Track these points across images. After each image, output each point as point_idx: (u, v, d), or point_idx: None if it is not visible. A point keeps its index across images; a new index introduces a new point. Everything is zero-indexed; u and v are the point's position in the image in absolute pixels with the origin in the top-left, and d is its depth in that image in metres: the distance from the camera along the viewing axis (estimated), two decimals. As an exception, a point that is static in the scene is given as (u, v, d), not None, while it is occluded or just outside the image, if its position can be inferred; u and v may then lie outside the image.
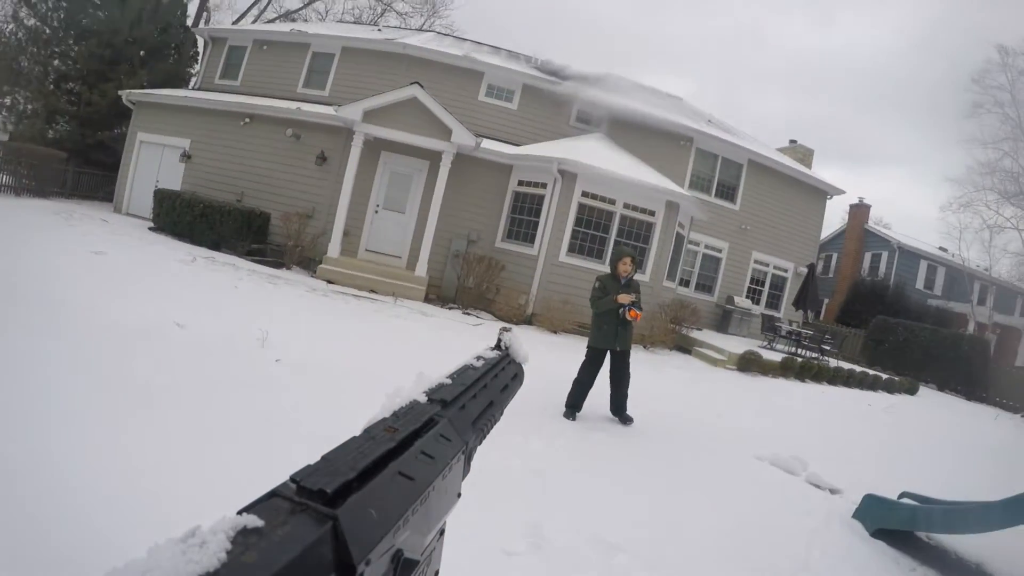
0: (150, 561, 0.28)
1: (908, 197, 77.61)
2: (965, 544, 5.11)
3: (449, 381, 0.64)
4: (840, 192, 21.41)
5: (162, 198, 14.34)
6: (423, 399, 0.57)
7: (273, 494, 0.36)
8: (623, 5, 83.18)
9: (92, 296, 6.70)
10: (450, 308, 13.18)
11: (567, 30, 71.30)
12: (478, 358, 0.75)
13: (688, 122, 18.33)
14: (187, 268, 10.25)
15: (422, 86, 13.87)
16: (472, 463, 0.62)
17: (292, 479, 0.37)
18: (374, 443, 0.45)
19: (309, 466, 0.39)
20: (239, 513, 0.33)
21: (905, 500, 5.44)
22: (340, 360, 6.51)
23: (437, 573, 0.55)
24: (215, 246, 13.41)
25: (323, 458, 0.41)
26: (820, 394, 13.11)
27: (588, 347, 6.72)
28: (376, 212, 14.79)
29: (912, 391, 16.41)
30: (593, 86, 17.49)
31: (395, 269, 14.08)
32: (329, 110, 14.47)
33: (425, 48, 17.22)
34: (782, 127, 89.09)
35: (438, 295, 14.04)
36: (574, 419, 6.50)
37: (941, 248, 30.75)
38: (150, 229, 14.24)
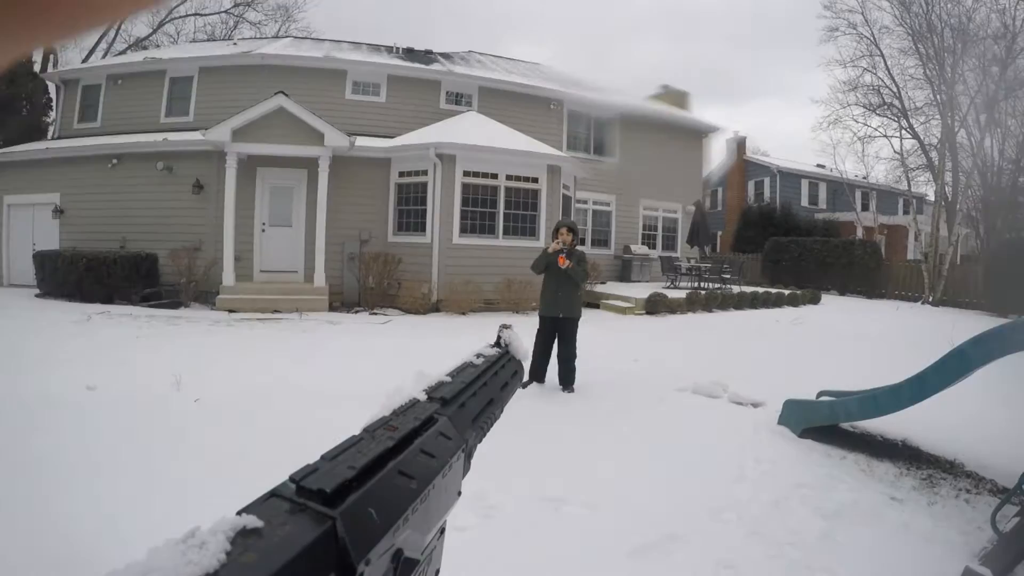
0: (150, 562, 0.29)
1: (783, 124, 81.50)
2: (887, 426, 5.51)
3: (449, 379, 0.65)
4: (715, 129, 22.42)
5: (42, 260, 13.83)
6: (423, 397, 0.58)
7: (272, 494, 0.37)
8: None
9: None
10: (356, 312, 13.30)
11: (424, 14, 70.59)
12: (478, 355, 0.75)
13: (554, 85, 18.67)
14: (84, 328, 9.97)
15: (287, 95, 13.78)
16: (472, 461, 0.63)
17: (291, 479, 0.38)
18: (373, 442, 0.46)
19: (308, 466, 0.40)
20: (238, 514, 0.34)
21: (823, 398, 5.83)
22: (260, 384, 6.55)
23: (438, 572, 0.55)
24: (107, 299, 13.02)
25: (322, 458, 0.42)
26: (729, 320, 13.75)
27: (538, 315, 7.06)
28: (263, 231, 14.59)
29: (815, 301, 17.42)
30: (457, 65, 17.62)
31: (294, 284, 14.03)
32: (197, 135, 14.11)
33: (284, 55, 17.05)
34: (658, 75, 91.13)
35: (341, 301, 14.04)
36: (525, 388, 6.60)
37: (819, 165, 32.66)
38: (37, 296, 13.73)
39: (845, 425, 5.63)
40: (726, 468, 4.83)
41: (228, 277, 13.30)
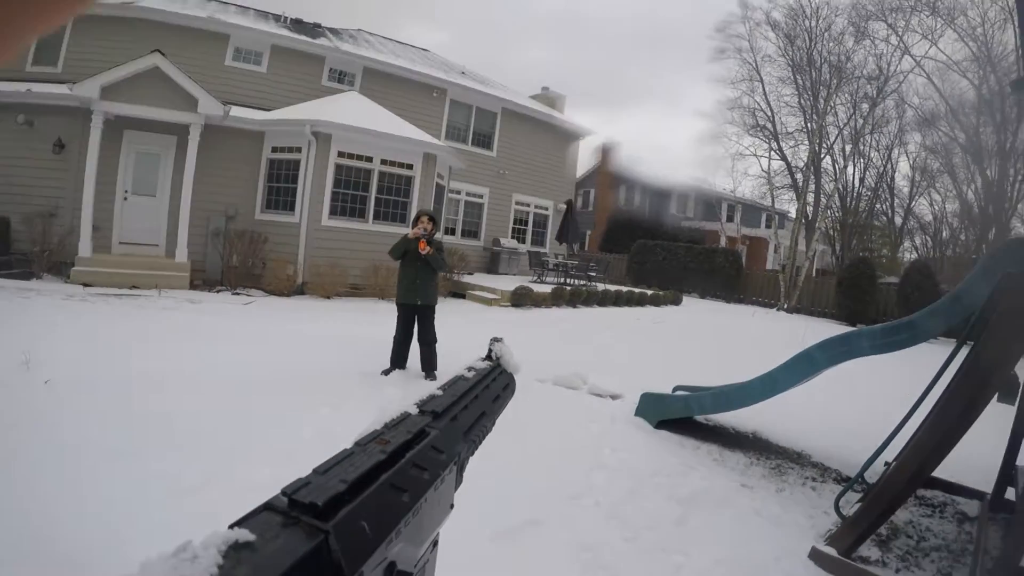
0: (142, 575, 0.29)
1: (664, 132, 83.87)
2: (738, 419, 6.10)
3: (440, 392, 0.65)
4: (589, 132, 23.67)
5: None
6: (414, 411, 0.58)
7: (265, 508, 0.37)
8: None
9: None
10: (218, 291, 13.24)
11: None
12: (469, 369, 0.75)
13: (440, 74, 18.81)
14: None
15: (163, 54, 13.31)
16: (464, 474, 0.63)
17: (283, 492, 0.37)
18: (365, 456, 0.45)
19: (300, 479, 0.39)
20: (231, 527, 0.33)
21: (679, 392, 6.22)
22: (113, 366, 6.31)
23: None
24: (-48, 266, 12.33)
25: (314, 471, 0.41)
26: (592, 316, 14.40)
27: (396, 303, 7.12)
28: (125, 199, 14.09)
29: (676, 302, 18.55)
30: (344, 43, 17.48)
31: (154, 259, 13.69)
32: (64, 89, 13.35)
33: (166, 11, 16.19)
34: (542, 77, 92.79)
35: (203, 279, 13.86)
36: (387, 375, 6.86)
37: (696, 177, 34.68)
38: None
39: (699, 418, 6.14)
40: (585, 456, 5.04)
41: (85, 248, 12.82)
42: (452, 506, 0.57)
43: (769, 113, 26.69)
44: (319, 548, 0.34)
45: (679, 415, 6.04)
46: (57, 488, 3.68)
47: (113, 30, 15.89)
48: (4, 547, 3.00)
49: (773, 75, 26.44)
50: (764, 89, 26.67)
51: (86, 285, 12.13)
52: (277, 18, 18.68)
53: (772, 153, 26.91)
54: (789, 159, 26.93)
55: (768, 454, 5.72)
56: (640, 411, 6.22)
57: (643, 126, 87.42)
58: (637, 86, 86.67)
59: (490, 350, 0.85)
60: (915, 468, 3.78)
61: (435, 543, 0.55)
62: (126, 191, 14.15)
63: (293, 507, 0.37)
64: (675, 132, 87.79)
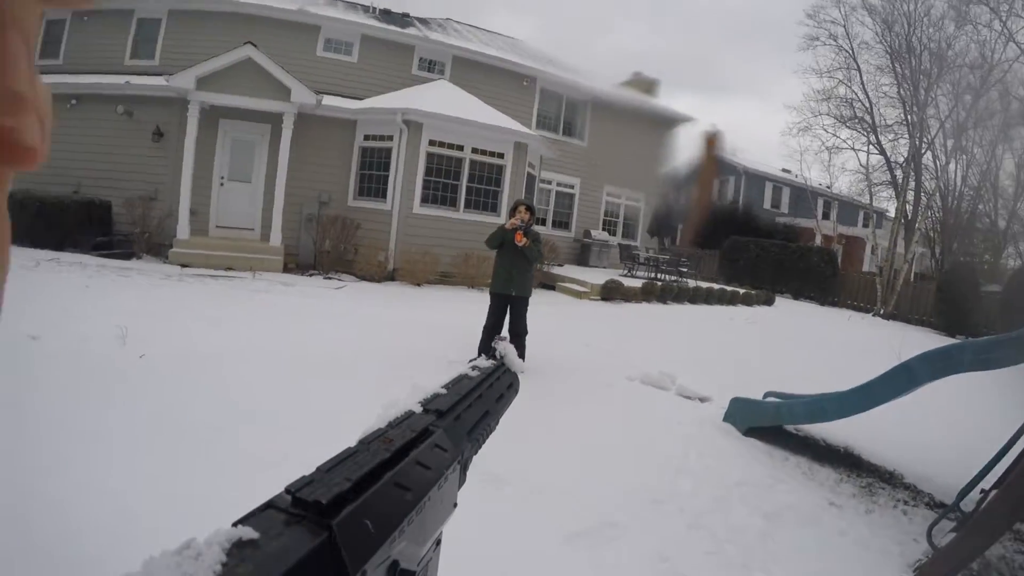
0: (146, 573, 0.29)
1: (753, 124, 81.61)
2: (831, 431, 5.70)
3: (444, 391, 0.65)
4: (688, 119, 22.44)
5: (-10, 202, 13.42)
6: (418, 409, 0.58)
7: (268, 505, 0.37)
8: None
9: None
10: (311, 275, 13.23)
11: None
12: (473, 368, 0.76)
13: (530, 62, 18.57)
14: (31, 275, 9.71)
15: (256, 46, 13.51)
16: (468, 472, 0.63)
17: (287, 490, 0.38)
18: (369, 454, 0.46)
19: (304, 477, 0.40)
20: (234, 525, 0.34)
21: (770, 399, 5.94)
22: (207, 344, 6.43)
23: None
24: (58, 246, 12.61)
25: (318, 469, 0.42)
26: (683, 313, 13.93)
27: (490, 293, 7.04)
28: (222, 185, 14.36)
29: (769, 302, 17.71)
30: (433, 32, 17.42)
31: (249, 242, 13.87)
32: (160, 81, 13.74)
33: (257, 4, 16.54)
34: (633, 60, 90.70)
35: (297, 263, 13.94)
36: None
37: (785, 170, 33.15)
38: (-17, 239, 13.34)
39: (789, 427, 5.78)
40: (671, 460, 4.88)
41: (183, 230, 13.09)
42: (455, 505, 0.57)
43: (867, 104, 25.21)
44: (322, 546, 0.34)
45: (769, 423, 5.77)
46: (150, 460, 3.69)
47: (207, 24, 16.32)
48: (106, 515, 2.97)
49: (871, 63, 24.91)
50: (862, 78, 25.17)
51: (183, 266, 12.34)
52: (366, 9, 18.80)
53: (870, 147, 25.41)
54: (888, 153, 25.43)
55: (859, 471, 5.41)
56: (729, 416, 6.00)
57: (735, 116, 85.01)
58: (724, 74, 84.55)
59: (494, 349, 0.84)
60: (1016, 500, 3.54)
61: (438, 542, 0.54)
62: (222, 177, 14.39)
63: (297, 505, 0.37)
64: (766, 123, 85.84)
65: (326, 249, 13.60)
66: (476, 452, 0.66)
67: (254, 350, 6.40)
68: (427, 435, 0.54)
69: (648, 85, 23.65)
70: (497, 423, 0.73)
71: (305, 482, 0.39)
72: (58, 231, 12.86)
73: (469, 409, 0.65)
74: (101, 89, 14.62)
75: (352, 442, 0.49)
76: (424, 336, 7.79)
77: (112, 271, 10.96)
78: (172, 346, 6.19)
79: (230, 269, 12.52)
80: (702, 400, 6.74)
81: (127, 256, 12.89)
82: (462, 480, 0.60)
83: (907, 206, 23.41)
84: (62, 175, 14.16)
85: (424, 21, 18.26)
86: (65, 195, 13.55)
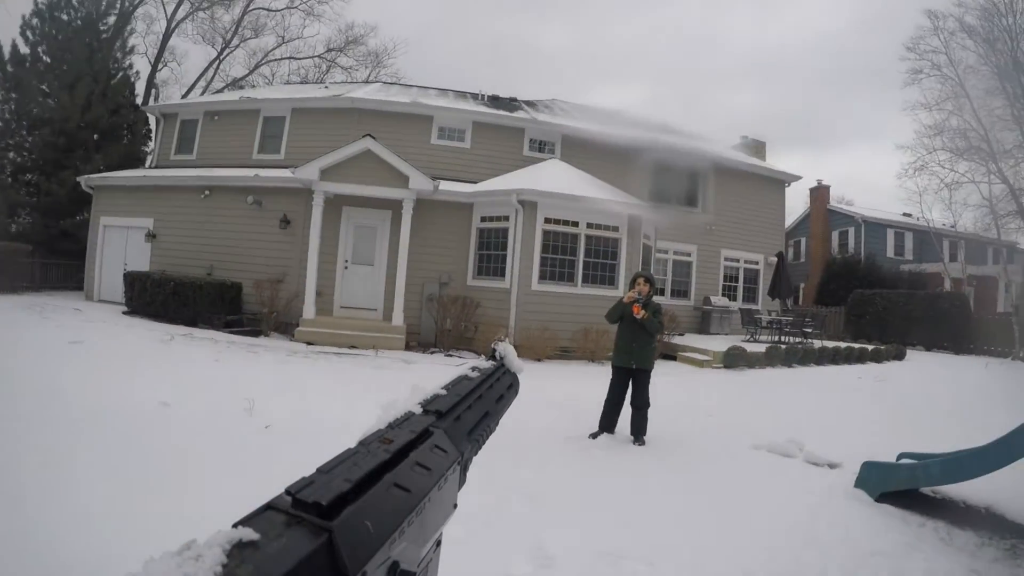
0: (146, 574, 0.29)
1: (866, 171, 79.35)
2: (970, 491, 5.18)
3: (444, 392, 0.65)
4: (797, 178, 21.99)
5: (132, 280, 14.36)
6: (418, 410, 0.58)
7: (268, 507, 0.37)
8: (558, 26, 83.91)
9: (75, 384, 6.62)
10: (432, 352, 13.26)
11: (509, 60, 71.88)
12: (473, 369, 0.75)
13: (637, 133, 18.64)
14: (166, 347, 10.23)
15: (374, 137, 14.08)
16: (468, 473, 0.62)
17: (287, 491, 0.38)
18: (369, 455, 0.46)
19: (304, 478, 0.40)
20: (235, 526, 0.34)
21: (904, 461, 5.55)
22: (330, 417, 6.43)
23: None
24: (191, 322, 13.38)
25: (318, 470, 0.42)
26: (809, 376, 13.34)
27: (612, 366, 6.92)
28: (346, 268, 14.87)
29: (900, 357, 16.70)
30: (541, 113, 17.78)
31: (372, 322, 14.16)
32: (286, 173, 14.53)
33: (373, 99, 17.51)
34: (735, 122, 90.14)
35: (418, 341, 14.07)
36: (595, 439, 6.60)
37: (905, 214, 31.52)
38: (124, 313, 14.22)
39: (926, 489, 5.32)
40: (796, 531, 4.58)
41: (309, 310, 13.54)
42: (455, 506, 0.56)
43: (982, 131, 23.93)
44: (322, 547, 0.35)
45: (904, 486, 5.31)
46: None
47: (328, 119, 17.38)
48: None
49: (979, 87, 23.88)
50: (972, 105, 24.04)
51: (309, 343, 12.66)
52: (475, 96, 19.51)
53: (991, 176, 24.09)
54: (1011, 180, 23.94)
55: (1002, 532, 4.79)
56: (860, 482, 5.58)
57: (844, 168, 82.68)
58: (831, 126, 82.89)
59: (494, 350, 0.83)
60: None
61: (438, 543, 0.54)
62: (346, 260, 14.92)
63: (297, 506, 0.37)
64: (880, 167, 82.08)
65: (447, 328, 13.69)
66: (476, 453, 0.65)
67: (368, 423, 6.34)
68: (427, 436, 0.54)
69: (756, 147, 23.41)
70: (497, 424, 0.72)
71: (305, 483, 0.39)
72: (192, 309, 13.61)
73: (469, 410, 0.65)
74: (233, 181, 15.62)
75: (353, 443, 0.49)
76: (543, 412, 7.55)
77: (241, 347, 11.36)
78: (296, 418, 6.32)
79: (353, 347, 12.71)
80: (831, 466, 6.38)
81: (255, 333, 13.41)
82: (462, 481, 0.59)
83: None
84: (197, 258, 15.18)
85: (531, 103, 18.72)
86: (199, 276, 14.39)
